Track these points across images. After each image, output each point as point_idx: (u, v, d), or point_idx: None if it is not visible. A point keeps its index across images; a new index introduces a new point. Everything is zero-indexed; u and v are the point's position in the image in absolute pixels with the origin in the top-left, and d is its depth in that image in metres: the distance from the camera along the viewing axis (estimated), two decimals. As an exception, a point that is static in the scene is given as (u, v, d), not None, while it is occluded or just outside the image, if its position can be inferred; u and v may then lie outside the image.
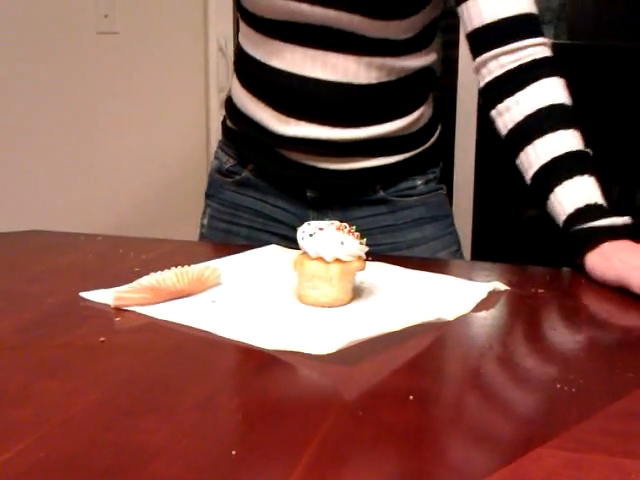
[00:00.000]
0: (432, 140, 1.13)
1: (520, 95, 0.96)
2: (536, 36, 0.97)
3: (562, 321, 0.75)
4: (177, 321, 0.72)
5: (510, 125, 0.97)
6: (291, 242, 1.04)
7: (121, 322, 0.73)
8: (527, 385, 0.60)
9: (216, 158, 1.19)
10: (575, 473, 0.45)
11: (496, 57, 0.97)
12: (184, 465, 0.46)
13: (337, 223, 0.77)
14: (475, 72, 1.02)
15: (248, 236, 1.12)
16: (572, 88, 0.99)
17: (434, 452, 0.48)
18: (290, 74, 1.01)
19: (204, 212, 1.21)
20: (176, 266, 0.81)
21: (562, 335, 0.72)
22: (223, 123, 1.18)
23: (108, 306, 0.76)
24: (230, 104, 1.14)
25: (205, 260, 0.89)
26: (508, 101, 0.97)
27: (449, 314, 0.73)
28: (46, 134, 2.59)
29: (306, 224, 0.77)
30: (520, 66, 0.96)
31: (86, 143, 2.46)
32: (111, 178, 2.47)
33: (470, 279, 0.86)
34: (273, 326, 0.71)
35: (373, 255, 0.85)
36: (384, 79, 1.02)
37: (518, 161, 0.96)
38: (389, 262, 0.90)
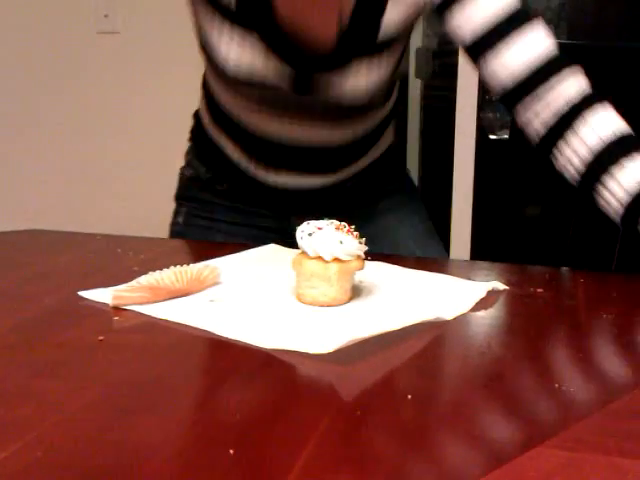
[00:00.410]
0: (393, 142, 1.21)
1: (574, 140, 0.91)
2: (558, 72, 0.92)
3: (561, 320, 0.75)
4: (176, 320, 0.72)
5: (575, 173, 0.92)
6: (275, 234, 1.06)
7: (120, 321, 0.73)
8: (525, 384, 0.60)
9: (190, 166, 1.18)
10: (573, 472, 0.45)
11: (536, 113, 0.94)
12: (181, 464, 0.46)
13: (336, 222, 0.77)
14: (519, 124, 0.99)
15: (228, 231, 1.13)
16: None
17: (432, 451, 0.48)
18: (266, 135, 1.04)
19: (177, 212, 1.19)
20: (175, 265, 0.81)
21: (561, 335, 0.72)
22: (193, 134, 1.17)
23: (107, 305, 0.76)
24: (200, 127, 1.15)
25: (204, 259, 0.89)
26: (565, 149, 0.92)
27: (448, 314, 0.73)
28: (45, 133, 2.59)
29: (305, 223, 0.77)
30: (561, 117, 0.92)
31: (85, 142, 2.46)
32: (110, 177, 2.47)
33: (469, 278, 0.86)
34: (271, 325, 0.71)
35: (372, 255, 0.85)
36: (359, 135, 1.07)
37: (600, 199, 0.90)
38: (388, 261, 0.90)
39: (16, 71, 2.62)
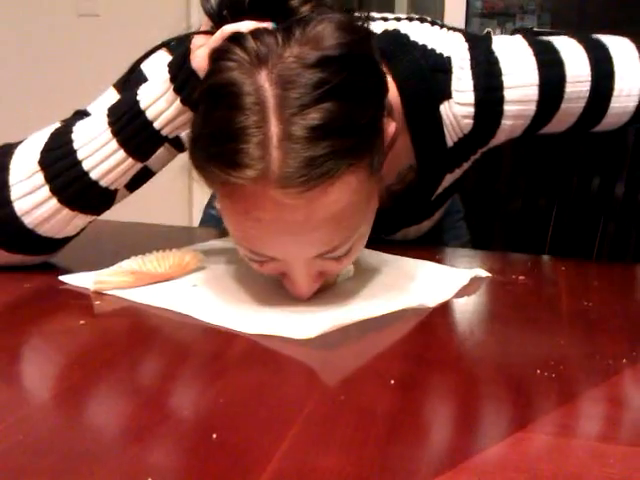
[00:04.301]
0: None
1: None
2: None
3: (542, 308, 0.76)
4: (158, 305, 0.71)
5: None
6: None
7: (101, 306, 0.72)
8: (507, 371, 0.60)
9: None
10: (556, 457, 0.45)
11: None
12: (164, 448, 0.46)
13: None
14: None
15: None
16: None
17: (414, 437, 0.48)
18: None
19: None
20: (157, 250, 0.80)
21: (542, 322, 0.72)
22: None
23: (88, 290, 0.75)
24: None
25: (186, 244, 0.88)
26: None
27: (431, 300, 0.73)
28: (25, 118, 2.56)
29: None
30: None
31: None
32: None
33: (452, 266, 0.86)
34: (255, 311, 0.70)
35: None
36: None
37: None
38: (371, 248, 0.90)
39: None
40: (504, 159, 1.42)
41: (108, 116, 0.76)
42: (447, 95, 0.84)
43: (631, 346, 0.65)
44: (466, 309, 0.75)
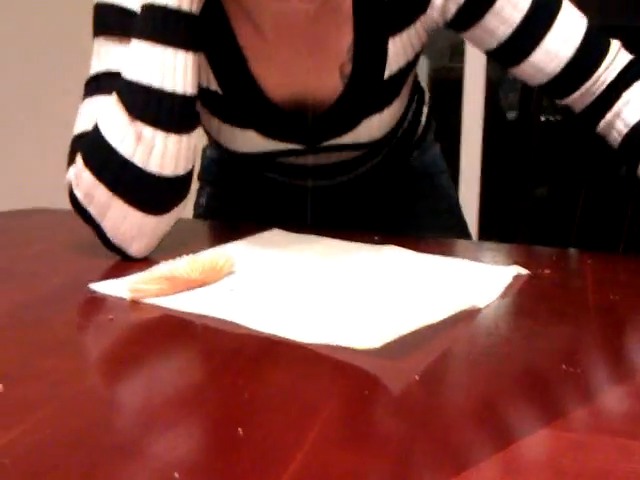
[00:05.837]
0: (422, 122, 1.19)
1: (619, 104, 0.91)
2: (604, 55, 0.91)
3: (568, 301, 0.75)
4: (201, 313, 0.68)
5: (621, 137, 0.92)
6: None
7: (129, 301, 0.73)
8: (533, 366, 0.60)
9: (211, 146, 1.18)
10: (580, 455, 0.45)
11: (581, 94, 0.92)
12: (190, 443, 0.46)
13: None
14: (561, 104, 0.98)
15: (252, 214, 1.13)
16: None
17: (439, 433, 0.48)
18: (281, 161, 1.03)
19: (200, 194, 1.20)
20: (188, 254, 0.78)
21: (568, 316, 0.71)
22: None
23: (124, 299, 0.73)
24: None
25: (202, 237, 0.88)
26: (609, 117, 0.92)
27: (481, 301, 0.72)
28: (41, 116, 2.58)
29: None
30: (609, 85, 0.91)
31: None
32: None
33: (477, 259, 0.85)
34: (306, 318, 0.67)
35: (383, 237, 0.84)
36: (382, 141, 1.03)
37: None
38: (399, 244, 0.90)
39: (11, 57, 2.60)
40: (532, 142, 1.41)
41: (138, 36, 0.82)
42: None
43: (658, 341, 0.64)
44: (490, 303, 0.74)
